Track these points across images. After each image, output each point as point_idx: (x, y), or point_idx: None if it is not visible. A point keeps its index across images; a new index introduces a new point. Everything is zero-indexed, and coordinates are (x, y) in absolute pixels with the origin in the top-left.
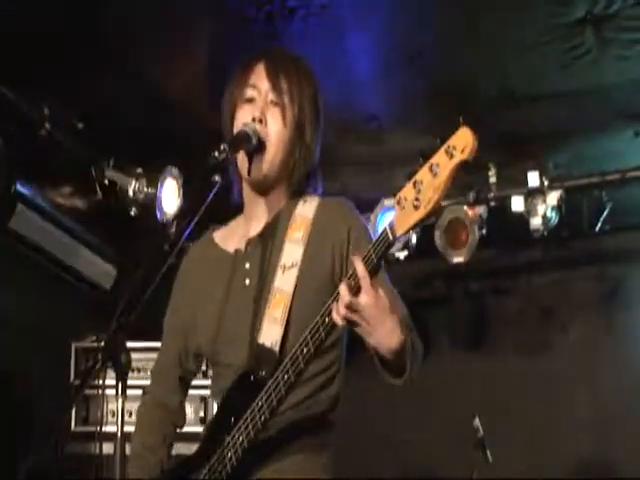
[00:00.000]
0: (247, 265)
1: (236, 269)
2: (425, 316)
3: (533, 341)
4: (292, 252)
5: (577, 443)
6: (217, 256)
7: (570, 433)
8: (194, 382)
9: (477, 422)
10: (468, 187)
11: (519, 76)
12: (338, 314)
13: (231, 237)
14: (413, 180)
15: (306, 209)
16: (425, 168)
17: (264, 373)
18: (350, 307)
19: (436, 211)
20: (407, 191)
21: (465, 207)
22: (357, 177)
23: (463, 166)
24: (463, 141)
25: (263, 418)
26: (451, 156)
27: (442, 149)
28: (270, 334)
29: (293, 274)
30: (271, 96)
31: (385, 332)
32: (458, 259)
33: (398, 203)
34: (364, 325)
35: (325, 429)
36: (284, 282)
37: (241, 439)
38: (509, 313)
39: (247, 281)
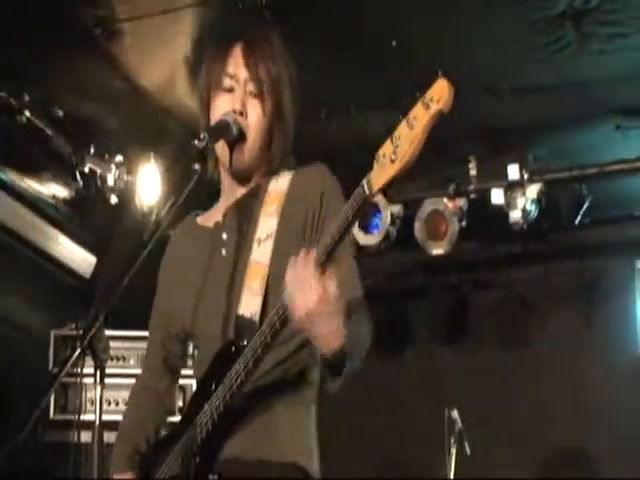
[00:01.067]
0: (224, 236)
1: (215, 241)
2: (405, 308)
3: (513, 334)
4: (267, 225)
5: (557, 436)
6: (198, 233)
7: (550, 426)
8: None
9: (455, 414)
10: (448, 179)
11: (500, 69)
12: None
13: (211, 216)
14: (391, 135)
15: (280, 184)
16: (403, 122)
17: (245, 343)
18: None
19: (412, 163)
20: (386, 147)
21: (445, 199)
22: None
23: (440, 117)
24: (439, 92)
25: (239, 380)
26: (427, 107)
27: (419, 102)
28: (249, 305)
29: (269, 246)
30: (250, 87)
31: (327, 331)
32: (438, 251)
33: (376, 160)
34: (302, 317)
35: (305, 386)
36: (260, 254)
37: (217, 403)
38: (489, 306)
39: (224, 251)
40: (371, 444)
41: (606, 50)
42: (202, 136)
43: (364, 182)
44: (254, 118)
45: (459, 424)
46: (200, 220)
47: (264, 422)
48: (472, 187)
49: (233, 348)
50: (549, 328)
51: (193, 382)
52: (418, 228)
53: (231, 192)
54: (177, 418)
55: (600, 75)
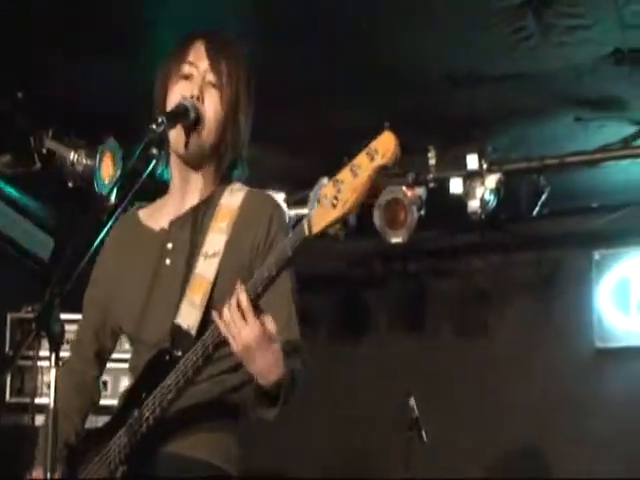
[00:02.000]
0: (169, 245)
1: (158, 248)
2: (363, 296)
3: (471, 323)
4: (215, 241)
5: (514, 426)
6: (141, 233)
7: (506, 416)
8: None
9: (412, 402)
10: (407, 168)
11: (461, 59)
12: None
13: (157, 215)
14: (334, 178)
15: (232, 199)
16: (347, 168)
17: (180, 354)
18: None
19: (353, 211)
20: (328, 189)
21: (404, 188)
22: (299, 155)
23: (383, 170)
24: (385, 145)
25: (170, 397)
26: (372, 159)
27: (364, 151)
28: (188, 317)
29: (215, 262)
30: (209, 77)
31: (265, 364)
32: (397, 239)
33: (318, 200)
34: (241, 350)
35: (228, 412)
36: (205, 269)
37: (147, 415)
38: (447, 295)
39: (168, 261)
40: (329, 431)
41: (567, 42)
42: (160, 120)
43: (305, 221)
44: (211, 106)
45: (416, 412)
46: (143, 216)
47: (191, 433)
48: (431, 176)
49: (167, 357)
50: (507, 318)
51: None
52: (377, 216)
53: (181, 183)
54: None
55: (561, 66)
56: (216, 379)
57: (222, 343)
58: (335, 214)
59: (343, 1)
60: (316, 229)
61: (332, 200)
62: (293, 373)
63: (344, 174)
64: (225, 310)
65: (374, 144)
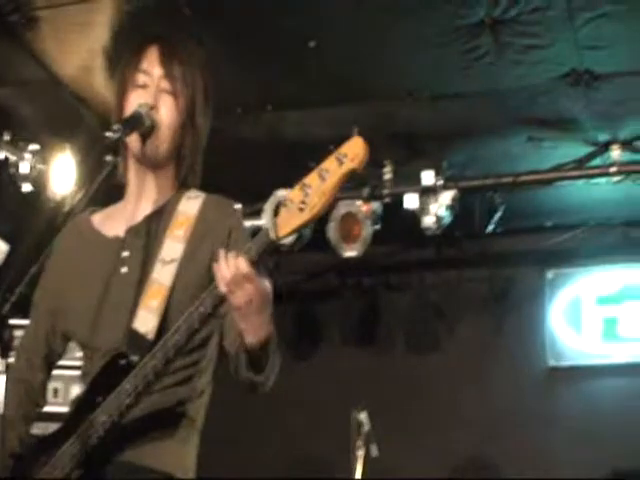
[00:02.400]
0: (125, 253)
1: (113, 256)
2: (317, 309)
3: (423, 339)
4: (172, 248)
5: (465, 443)
6: (94, 239)
7: (457, 431)
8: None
9: (363, 416)
10: (363, 182)
11: (419, 75)
12: (223, 279)
13: (111, 221)
14: (302, 183)
15: (190, 206)
16: (314, 172)
17: (135, 358)
18: (235, 278)
19: (320, 215)
20: (294, 193)
21: (359, 202)
22: (255, 166)
23: (352, 175)
24: (354, 150)
25: (128, 401)
26: (341, 163)
27: (333, 155)
28: (145, 322)
29: (172, 269)
30: (163, 84)
31: (259, 321)
32: (351, 253)
33: (284, 204)
34: (242, 305)
35: (181, 423)
36: (163, 275)
37: (104, 419)
38: (400, 310)
39: (124, 269)
40: (281, 445)
41: (523, 61)
42: (115, 128)
43: (270, 226)
44: (166, 113)
45: (367, 426)
46: (97, 222)
47: (148, 439)
48: (386, 191)
49: (123, 361)
50: (459, 335)
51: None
52: (331, 230)
53: (137, 190)
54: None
55: (516, 85)
56: (169, 390)
57: (221, 302)
58: (303, 218)
59: (303, 16)
60: (282, 233)
61: (299, 204)
62: (275, 352)
63: (312, 178)
64: (223, 267)
65: (343, 148)
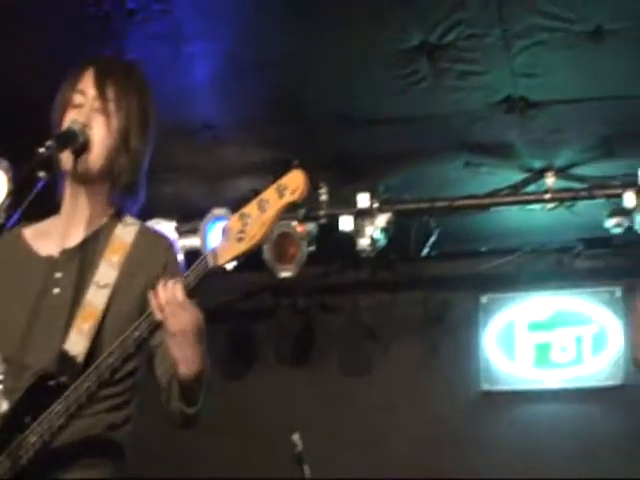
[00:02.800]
0: (58, 274)
1: (46, 275)
2: (251, 329)
3: (357, 360)
4: (107, 273)
5: (399, 466)
6: (26, 256)
7: (390, 453)
8: None
9: (296, 437)
10: (298, 204)
11: (357, 99)
12: (158, 306)
13: (44, 239)
14: (240, 212)
15: (126, 233)
16: (254, 202)
17: (65, 379)
18: (171, 305)
19: (259, 245)
20: (234, 222)
21: (294, 223)
22: (190, 185)
23: (292, 207)
24: (295, 183)
25: (59, 423)
26: (281, 195)
27: (273, 186)
28: (76, 344)
29: (106, 293)
30: (97, 104)
31: (193, 354)
32: (286, 274)
33: (223, 232)
34: (177, 332)
35: (111, 449)
36: (96, 298)
37: (34, 440)
38: (335, 331)
39: (56, 290)
40: (214, 463)
41: (460, 87)
42: (48, 143)
43: (209, 253)
44: (98, 132)
45: (299, 447)
46: (29, 237)
47: (78, 463)
48: (322, 212)
49: (52, 382)
50: (393, 357)
51: None
52: (267, 250)
53: (71, 208)
54: None
55: (454, 111)
56: (100, 416)
57: (157, 327)
58: (241, 248)
59: (239, 32)
60: (222, 261)
61: (238, 234)
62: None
63: (251, 208)
64: (160, 293)
65: (284, 180)
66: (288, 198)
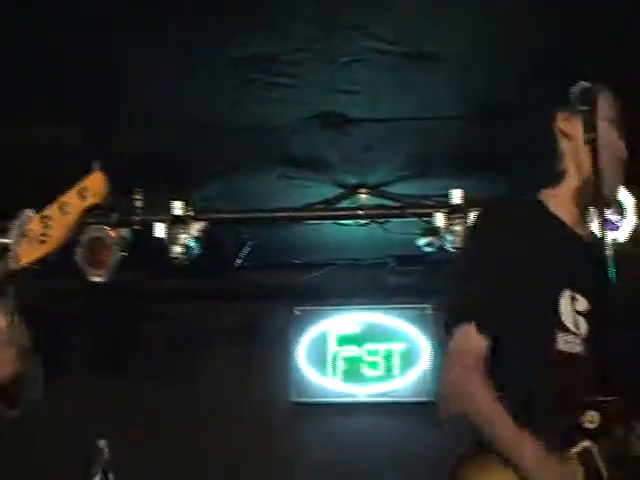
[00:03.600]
0: None
1: None
2: (64, 333)
3: (170, 368)
4: None
5: (209, 473)
6: None
7: (202, 466)
8: None
9: (103, 443)
10: (113, 208)
11: (182, 107)
12: None
13: None
14: (41, 214)
15: None
16: (55, 205)
17: None
18: None
19: (61, 246)
20: (35, 224)
21: (108, 227)
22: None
23: (93, 209)
24: (96, 185)
25: None
26: (83, 198)
27: (74, 189)
28: None
29: None
30: None
31: (2, 356)
32: (97, 278)
33: (25, 234)
34: None
35: None
36: None
37: None
38: (148, 338)
39: None
40: (22, 469)
41: (279, 99)
42: None
43: (10, 255)
44: None
45: (106, 453)
46: None
47: None
48: (136, 218)
49: None
50: (206, 368)
51: None
52: (79, 254)
53: None
54: None
55: (272, 123)
56: None
57: None
58: (43, 250)
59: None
60: (22, 263)
61: (39, 236)
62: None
63: (52, 211)
64: None
65: (85, 183)
66: (89, 201)
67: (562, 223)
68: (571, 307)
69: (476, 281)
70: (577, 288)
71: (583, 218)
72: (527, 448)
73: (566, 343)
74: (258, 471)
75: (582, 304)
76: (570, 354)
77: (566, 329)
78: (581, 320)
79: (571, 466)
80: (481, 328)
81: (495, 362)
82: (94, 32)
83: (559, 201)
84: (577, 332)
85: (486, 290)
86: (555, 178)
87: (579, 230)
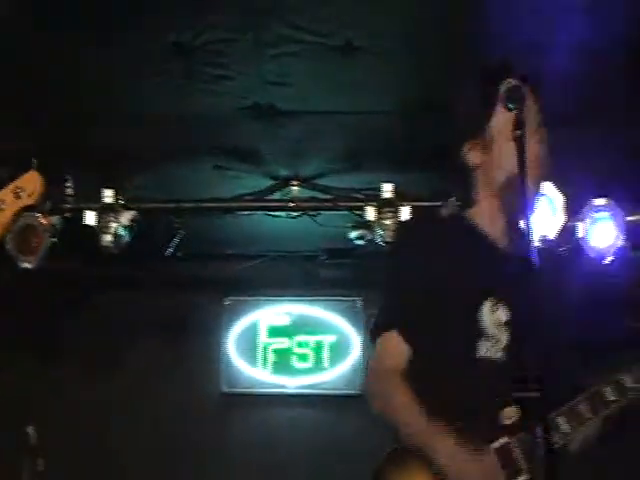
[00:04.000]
0: None
1: None
2: None
3: (100, 357)
4: None
5: (137, 468)
6: None
7: (129, 458)
8: None
9: (31, 430)
10: (44, 196)
11: (112, 96)
12: None
13: None
14: None
15: None
16: None
17: None
18: None
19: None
20: None
21: (39, 214)
22: None
23: (29, 208)
24: (32, 185)
25: None
26: (18, 197)
27: (10, 187)
28: None
29: None
30: None
31: None
32: (26, 265)
33: None
34: None
35: None
36: None
37: None
38: (78, 326)
39: None
40: None
41: (211, 90)
42: None
43: None
44: None
45: (33, 440)
46: None
47: None
48: (67, 206)
49: None
50: (136, 357)
51: None
52: (10, 240)
53: None
54: None
55: (204, 114)
56: None
57: None
58: None
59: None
60: None
61: None
62: None
63: None
64: None
65: (21, 182)
66: (25, 201)
67: (484, 236)
68: (492, 316)
69: (399, 291)
70: (499, 298)
71: (507, 230)
72: (443, 445)
73: (487, 350)
74: (188, 461)
75: (503, 314)
76: (490, 360)
77: (487, 337)
78: (502, 329)
79: (491, 461)
80: (404, 335)
81: (417, 367)
82: None
83: (481, 216)
84: (498, 339)
85: (410, 299)
86: (471, 202)
87: (502, 242)
